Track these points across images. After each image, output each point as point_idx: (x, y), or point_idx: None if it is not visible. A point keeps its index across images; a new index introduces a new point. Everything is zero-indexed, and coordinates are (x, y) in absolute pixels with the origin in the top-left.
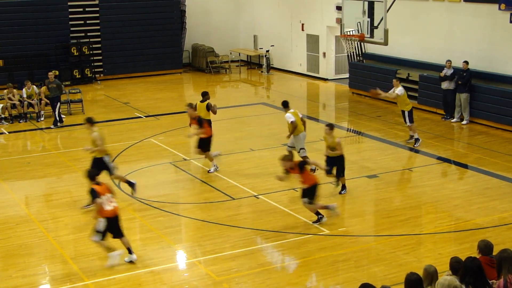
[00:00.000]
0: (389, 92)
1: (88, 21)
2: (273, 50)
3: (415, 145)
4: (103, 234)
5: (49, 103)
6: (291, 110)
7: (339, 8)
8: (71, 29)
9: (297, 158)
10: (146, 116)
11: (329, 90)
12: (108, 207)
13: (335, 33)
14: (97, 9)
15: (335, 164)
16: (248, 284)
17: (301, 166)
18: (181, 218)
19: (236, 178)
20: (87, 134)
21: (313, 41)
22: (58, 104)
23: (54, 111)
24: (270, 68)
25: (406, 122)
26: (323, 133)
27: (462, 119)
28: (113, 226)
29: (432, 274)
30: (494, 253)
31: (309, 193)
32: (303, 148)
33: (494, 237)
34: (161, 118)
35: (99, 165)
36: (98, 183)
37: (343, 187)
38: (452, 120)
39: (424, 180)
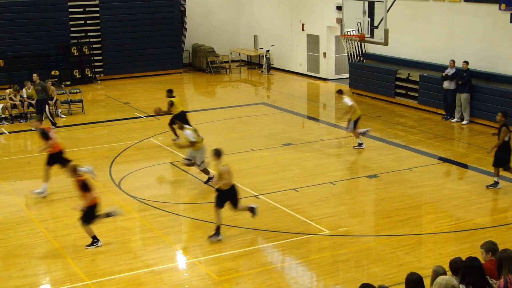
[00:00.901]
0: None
1: (88, 21)
2: (274, 50)
3: (355, 147)
4: None
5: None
6: (188, 127)
7: (339, 8)
8: (71, 29)
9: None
10: (146, 116)
11: (330, 90)
12: None
13: (335, 33)
14: (97, 9)
15: (226, 197)
16: (248, 284)
17: (83, 185)
18: (181, 218)
19: (236, 178)
20: (87, 134)
21: (313, 41)
22: (47, 106)
23: (43, 113)
24: (270, 68)
25: (348, 129)
26: (321, 134)
27: (462, 119)
28: None
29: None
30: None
31: (87, 213)
32: (204, 161)
33: (494, 237)
34: (161, 118)
35: None
36: None
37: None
38: (452, 120)
39: (424, 180)
